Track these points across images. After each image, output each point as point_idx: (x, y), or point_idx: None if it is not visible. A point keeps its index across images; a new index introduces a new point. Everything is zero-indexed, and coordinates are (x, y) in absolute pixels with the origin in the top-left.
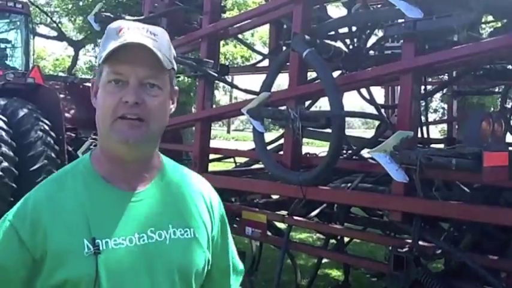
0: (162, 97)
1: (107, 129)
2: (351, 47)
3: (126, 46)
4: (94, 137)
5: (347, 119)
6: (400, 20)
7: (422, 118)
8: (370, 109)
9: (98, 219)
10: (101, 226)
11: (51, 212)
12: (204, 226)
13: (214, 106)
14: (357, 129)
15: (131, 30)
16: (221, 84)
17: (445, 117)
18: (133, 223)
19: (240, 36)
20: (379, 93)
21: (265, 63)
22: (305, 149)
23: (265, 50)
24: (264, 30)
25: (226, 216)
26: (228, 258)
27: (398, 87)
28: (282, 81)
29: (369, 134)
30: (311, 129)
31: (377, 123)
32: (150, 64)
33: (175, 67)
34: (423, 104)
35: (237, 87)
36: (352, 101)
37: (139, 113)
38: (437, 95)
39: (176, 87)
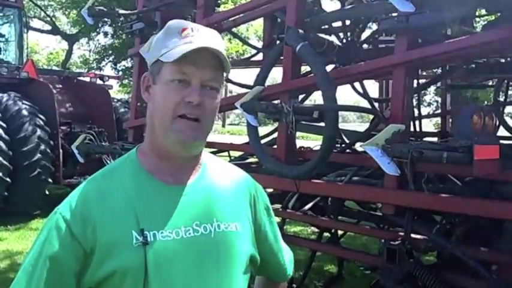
0: (218, 99)
1: (166, 127)
2: (344, 40)
3: (198, 50)
4: (88, 131)
5: (342, 112)
6: (393, 14)
7: (416, 112)
8: (365, 103)
9: (146, 212)
10: (149, 219)
11: (101, 205)
12: (248, 220)
13: None
14: (352, 122)
15: (196, 32)
16: None
17: (439, 111)
18: (180, 216)
19: (234, 30)
20: (373, 87)
21: (260, 57)
22: (299, 143)
23: (260, 44)
24: (259, 25)
25: (270, 206)
26: (278, 244)
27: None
28: (276, 75)
29: (364, 127)
30: (305, 123)
31: (372, 116)
32: (213, 67)
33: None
34: (416, 97)
35: (231, 81)
36: (347, 94)
37: (199, 114)
38: (432, 89)
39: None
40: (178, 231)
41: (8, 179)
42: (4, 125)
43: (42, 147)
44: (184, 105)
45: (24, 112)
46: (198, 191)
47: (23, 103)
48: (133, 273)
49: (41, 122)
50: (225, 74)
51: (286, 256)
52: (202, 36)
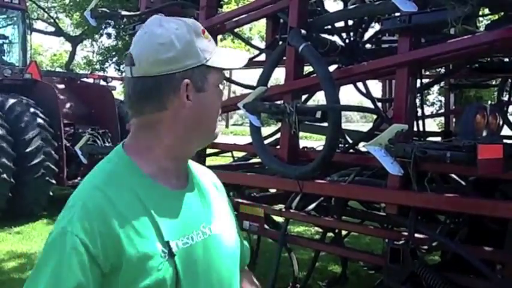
0: None
1: (210, 131)
2: (347, 41)
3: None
4: (91, 132)
5: (345, 112)
6: (396, 14)
7: (419, 111)
8: (368, 103)
9: (164, 221)
10: (169, 227)
11: (119, 219)
12: (230, 210)
13: None
14: (355, 122)
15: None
16: None
17: (442, 110)
18: (190, 221)
19: (237, 30)
20: (377, 87)
21: (262, 57)
22: (302, 143)
23: (263, 45)
24: (262, 25)
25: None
26: (239, 232)
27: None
28: (279, 76)
29: (367, 127)
30: (308, 123)
31: (375, 116)
32: None
33: None
34: (419, 97)
35: (234, 82)
36: (350, 94)
37: None
38: (435, 88)
39: None
40: (193, 237)
41: (11, 180)
42: (8, 126)
43: (46, 148)
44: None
45: (28, 113)
46: (194, 192)
47: (26, 104)
48: (167, 286)
49: (45, 123)
50: None
51: (243, 241)
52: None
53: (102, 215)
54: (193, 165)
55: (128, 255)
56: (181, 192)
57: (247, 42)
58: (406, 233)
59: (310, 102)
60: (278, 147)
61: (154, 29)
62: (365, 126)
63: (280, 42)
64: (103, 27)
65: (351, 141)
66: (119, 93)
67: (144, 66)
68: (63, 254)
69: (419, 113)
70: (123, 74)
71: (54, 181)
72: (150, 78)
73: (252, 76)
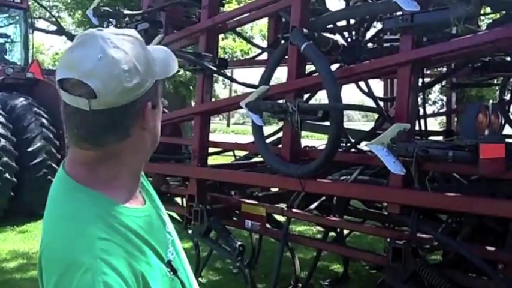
0: None
1: (153, 148)
2: (349, 40)
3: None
4: None
5: (346, 111)
6: (398, 13)
7: (421, 110)
8: (370, 102)
9: (157, 242)
10: (161, 246)
11: (133, 259)
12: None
13: (213, 100)
14: (357, 122)
15: None
16: (220, 77)
17: (444, 109)
18: (162, 231)
19: (239, 29)
20: (378, 86)
21: (264, 56)
22: (304, 142)
23: (264, 44)
24: (263, 23)
25: None
26: None
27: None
28: (281, 75)
29: (369, 126)
30: (310, 122)
31: (377, 116)
32: None
33: None
34: (421, 96)
35: (236, 81)
36: (351, 93)
37: None
38: (437, 87)
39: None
40: (173, 246)
41: (14, 179)
42: (10, 125)
43: (48, 147)
44: None
45: (30, 112)
46: (151, 204)
47: (28, 103)
48: None
49: (47, 123)
50: None
51: None
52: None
53: (127, 266)
54: None
55: (150, 285)
56: (146, 207)
57: (249, 41)
58: (408, 233)
59: (312, 101)
60: (280, 146)
61: (110, 52)
62: (366, 125)
63: (282, 41)
64: (105, 26)
65: (352, 140)
66: None
67: (109, 99)
68: None
69: (421, 112)
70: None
71: None
72: (116, 109)
73: (254, 75)
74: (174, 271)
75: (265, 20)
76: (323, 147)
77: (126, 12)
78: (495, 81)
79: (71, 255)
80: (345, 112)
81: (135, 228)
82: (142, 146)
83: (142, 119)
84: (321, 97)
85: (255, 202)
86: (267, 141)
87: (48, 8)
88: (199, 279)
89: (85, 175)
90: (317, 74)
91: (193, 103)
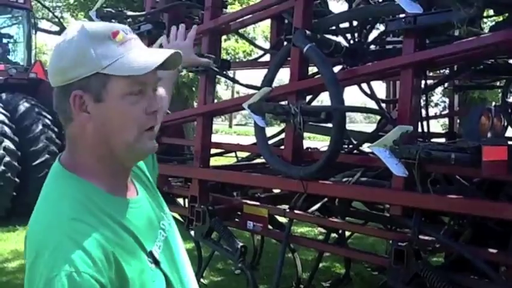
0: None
1: (131, 143)
2: (351, 41)
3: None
4: None
5: (349, 113)
6: (401, 15)
7: (423, 112)
8: (372, 104)
9: (140, 232)
10: (145, 238)
11: (110, 245)
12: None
13: (215, 101)
14: (359, 123)
15: (130, 34)
16: (223, 79)
17: (446, 112)
18: (153, 223)
19: (241, 30)
20: (381, 88)
21: (267, 58)
22: (306, 144)
23: (267, 45)
24: (265, 25)
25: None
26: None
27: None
28: (283, 76)
29: (371, 128)
30: (312, 123)
31: (378, 117)
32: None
33: None
34: (424, 98)
35: (238, 82)
36: (354, 95)
37: (157, 120)
38: (439, 89)
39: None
40: (161, 238)
41: (16, 179)
42: (13, 125)
43: (51, 147)
44: (149, 117)
45: (33, 113)
46: (144, 194)
47: (31, 104)
48: None
49: (49, 123)
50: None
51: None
52: (137, 39)
53: (96, 245)
54: None
55: (130, 277)
56: (137, 198)
57: (252, 42)
58: (410, 234)
59: (314, 103)
60: (282, 147)
61: (60, 39)
62: (368, 127)
63: (285, 43)
64: None
65: (355, 142)
66: None
67: (50, 78)
68: None
69: (424, 114)
70: None
71: None
72: (55, 89)
73: (256, 76)
74: (156, 262)
75: (267, 22)
76: (325, 148)
77: (129, 13)
78: (498, 84)
79: (44, 236)
80: (347, 114)
81: (112, 213)
82: (90, 138)
83: (72, 105)
84: (324, 99)
85: (257, 203)
86: (270, 142)
87: (51, 9)
88: (201, 280)
89: (69, 161)
90: (320, 75)
91: (195, 104)
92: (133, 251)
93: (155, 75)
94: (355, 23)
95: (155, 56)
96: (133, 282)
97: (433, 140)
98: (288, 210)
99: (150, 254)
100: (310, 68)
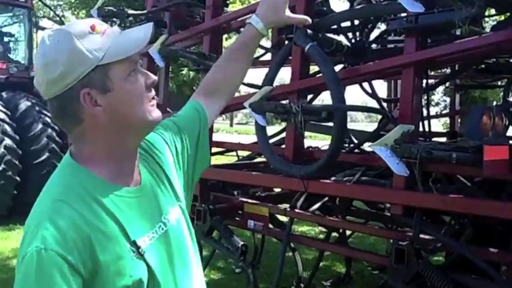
0: None
1: (143, 118)
2: (353, 40)
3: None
4: None
5: (350, 112)
6: (402, 14)
7: (424, 112)
8: (374, 103)
9: (128, 221)
10: (134, 227)
11: (89, 228)
12: (175, 173)
13: None
14: (360, 122)
15: (103, 23)
16: None
17: (447, 111)
18: (152, 215)
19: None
20: (382, 87)
21: (268, 57)
22: (307, 143)
23: (268, 44)
24: None
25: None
26: (191, 115)
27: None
28: (284, 75)
29: (372, 127)
30: (313, 123)
31: (380, 116)
32: None
33: None
34: (425, 97)
35: None
36: (354, 95)
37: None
38: (440, 89)
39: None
40: (156, 230)
41: (17, 178)
42: (13, 124)
43: (51, 146)
44: (147, 90)
45: (34, 111)
46: (149, 184)
47: (32, 102)
48: (144, 282)
49: (50, 121)
50: None
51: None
52: (109, 26)
53: (72, 226)
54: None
55: (103, 261)
56: (138, 188)
57: None
58: (410, 234)
59: (316, 102)
60: (283, 146)
61: (40, 48)
62: (369, 126)
63: (286, 42)
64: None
65: (356, 141)
66: None
67: (43, 91)
68: (44, 273)
69: (425, 114)
70: None
71: None
72: (53, 100)
73: (257, 75)
74: (139, 253)
75: None
76: (326, 148)
77: (130, 12)
78: (499, 83)
79: (30, 217)
80: (348, 113)
81: (102, 199)
82: (104, 130)
83: (84, 105)
84: (325, 98)
85: (258, 202)
86: (270, 141)
87: (53, 7)
88: None
89: (74, 150)
90: (321, 74)
91: None
92: (114, 238)
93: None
94: (356, 22)
95: (138, 33)
96: (106, 267)
97: (434, 139)
98: (288, 209)
99: (134, 243)
100: (311, 67)
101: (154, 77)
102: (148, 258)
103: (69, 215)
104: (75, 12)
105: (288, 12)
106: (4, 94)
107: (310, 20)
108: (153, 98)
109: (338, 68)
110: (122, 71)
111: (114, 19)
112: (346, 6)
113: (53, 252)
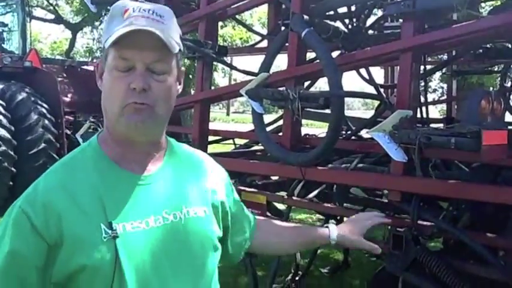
0: (169, 81)
1: (116, 115)
2: (350, 26)
3: (133, 31)
4: (92, 120)
5: (347, 99)
6: None
7: (422, 98)
8: (370, 89)
9: (113, 203)
10: (117, 210)
11: (65, 196)
12: (215, 201)
13: (213, 88)
14: (357, 110)
15: (137, 13)
16: (220, 66)
17: (444, 97)
18: (149, 206)
19: (238, 17)
20: (379, 73)
21: (264, 44)
22: (305, 130)
23: (264, 31)
24: (262, 11)
25: (231, 182)
26: (247, 215)
27: (398, 67)
28: (281, 62)
29: (369, 114)
30: (310, 110)
31: (376, 103)
32: (157, 48)
33: (182, 48)
34: (422, 83)
35: (235, 69)
36: (351, 81)
37: (147, 100)
38: (437, 75)
39: (182, 68)
40: (148, 221)
41: (13, 169)
42: (8, 114)
43: (47, 136)
44: (131, 93)
45: (29, 101)
46: (165, 177)
47: (27, 92)
48: (105, 267)
49: (45, 111)
50: (178, 54)
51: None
52: (140, 16)
53: (49, 192)
54: (183, 150)
55: (67, 232)
56: (144, 176)
57: (249, 28)
58: (408, 220)
59: (312, 89)
60: (280, 134)
61: None
62: (366, 113)
63: (283, 28)
64: (103, 14)
65: (353, 128)
66: None
67: None
68: (7, 224)
69: (422, 100)
70: None
71: None
72: None
73: (254, 63)
74: (113, 236)
75: (264, 8)
76: (323, 135)
77: None
78: (496, 69)
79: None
80: (345, 100)
81: (95, 174)
82: (104, 107)
83: (95, 72)
84: (321, 85)
85: (255, 190)
86: (267, 129)
87: None
88: None
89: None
90: (318, 61)
91: (192, 91)
92: (88, 213)
93: (145, 53)
94: (353, 7)
95: (129, 27)
96: (71, 239)
97: (432, 125)
98: (286, 196)
99: (109, 225)
100: (308, 54)
101: (138, 84)
102: (119, 245)
103: (50, 182)
104: (69, 1)
105: (361, 238)
106: None
107: (379, 249)
108: (135, 103)
109: (335, 54)
110: (111, 60)
111: (109, 7)
112: None
113: (19, 208)
